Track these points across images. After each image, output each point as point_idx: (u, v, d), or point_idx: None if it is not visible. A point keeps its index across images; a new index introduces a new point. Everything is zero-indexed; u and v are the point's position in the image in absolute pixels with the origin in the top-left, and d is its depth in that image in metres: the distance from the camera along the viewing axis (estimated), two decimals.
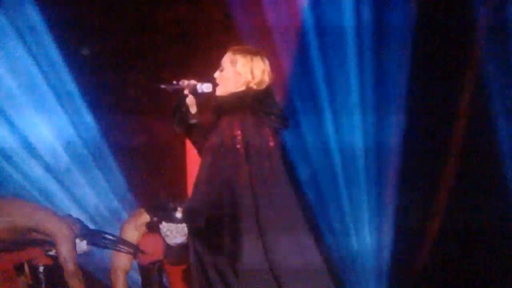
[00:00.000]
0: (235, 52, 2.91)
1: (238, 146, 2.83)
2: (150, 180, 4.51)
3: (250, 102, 2.85)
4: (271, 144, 2.87)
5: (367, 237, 4.64)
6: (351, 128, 4.61)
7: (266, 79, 2.89)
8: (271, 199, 2.86)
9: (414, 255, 4.58)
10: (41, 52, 4.66)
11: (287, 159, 3.93)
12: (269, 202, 2.85)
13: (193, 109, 2.95)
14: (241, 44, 3.08)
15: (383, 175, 4.60)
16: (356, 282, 4.62)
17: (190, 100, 2.93)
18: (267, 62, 2.91)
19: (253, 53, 2.91)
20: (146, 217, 3.73)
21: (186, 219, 3.41)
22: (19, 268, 3.89)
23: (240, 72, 2.87)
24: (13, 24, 4.59)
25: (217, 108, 2.92)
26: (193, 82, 2.91)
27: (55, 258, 3.76)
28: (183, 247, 3.58)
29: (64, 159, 4.69)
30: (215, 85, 2.90)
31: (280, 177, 2.89)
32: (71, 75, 4.65)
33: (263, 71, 2.88)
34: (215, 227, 2.88)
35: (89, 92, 4.63)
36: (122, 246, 3.69)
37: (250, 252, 2.83)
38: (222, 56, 2.89)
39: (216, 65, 2.88)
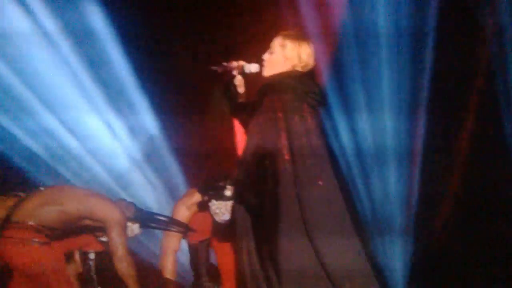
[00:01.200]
0: (285, 37, 3.08)
1: (279, 125, 2.98)
2: (202, 162, 4.67)
3: (293, 83, 3.02)
4: (310, 121, 3.02)
5: (395, 201, 4.91)
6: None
7: (311, 62, 3.09)
8: (312, 178, 2.97)
9: (435, 217, 4.87)
10: (104, 53, 4.81)
11: (326, 137, 4.11)
12: (310, 183, 2.96)
13: (241, 89, 3.14)
14: (291, 29, 3.20)
15: (409, 150, 4.86)
16: (384, 242, 4.89)
17: (239, 80, 3.12)
18: (312, 47, 3.10)
19: (302, 38, 3.09)
20: (197, 197, 3.89)
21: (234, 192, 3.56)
22: (69, 256, 3.96)
23: (288, 56, 3.05)
24: (80, 21, 4.69)
25: (263, 87, 3.08)
26: (241, 63, 3.09)
27: (106, 244, 3.84)
28: (230, 223, 3.76)
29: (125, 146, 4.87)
30: (262, 65, 3.07)
31: (319, 151, 3.02)
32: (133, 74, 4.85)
33: (309, 55, 3.07)
34: (259, 203, 3.04)
35: (149, 85, 4.80)
36: (173, 226, 3.84)
37: (290, 246, 2.95)
38: (270, 39, 3.06)
39: (264, 47, 3.03)
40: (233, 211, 3.32)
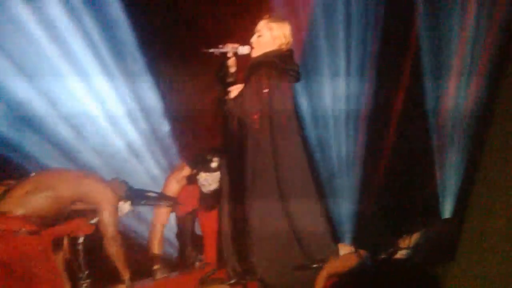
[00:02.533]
0: (270, 20, 3.53)
1: (264, 99, 3.43)
2: (191, 136, 4.85)
3: (277, 61, 3.47)
4: (289, 96, 3.52)
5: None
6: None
7: (291, 40, 3.55)
8: (288, 149, 3.49)
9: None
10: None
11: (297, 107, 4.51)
12: (286, 153, 3.48)
13: (233, 69, 3.50)
14: (270, 13, 3.65)
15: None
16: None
17: (232, 61, 3.48)
18: (290, 26, 3.56)
19: (283, 19, 3.56)
20: (187, 170, 4.14)
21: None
22: (57, 242, 3.76)
23: (276, 37, 3.50)
24: None
25: (252, 65, 3.49)
26: (235, 45, 3.47)
27: (96, 226, 3.79)
28: (216, 192, 4.05)
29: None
30: (251, 47, 3.48)
31: (294, 124, 3.56)
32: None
33: (290, 33, 3.54)
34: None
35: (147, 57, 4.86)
36: (163, 201, 4.02)
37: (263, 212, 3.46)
38: (252, 23, 3.48)
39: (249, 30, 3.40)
40: (220, 180, 3.69)
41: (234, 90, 3.48)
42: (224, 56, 3.45)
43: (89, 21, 4.80)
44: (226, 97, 3.49)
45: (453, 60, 5.18)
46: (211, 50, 3.44)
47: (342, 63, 5.26)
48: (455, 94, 5.21)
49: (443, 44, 5.21)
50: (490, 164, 2.72)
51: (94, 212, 3.82)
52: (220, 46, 3.46)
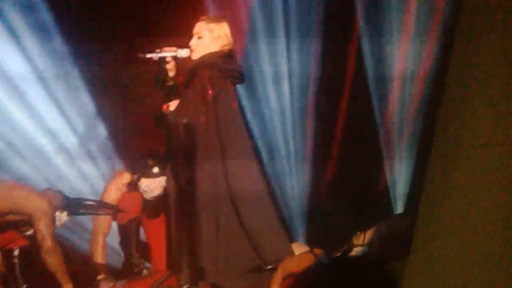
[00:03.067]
0: (209, 21, 3.39)
1: (209, 101, 3.32)
2: (131, 142, 4.62)
3: (220, 62, 3.34)
4: (233, 98, 3.44)
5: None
6: None
7: (232, 41, 3.43)
8: (236, 149, 3.41)
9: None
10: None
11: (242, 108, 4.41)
12: (234, 154, 3.41)
13: (172, 73, 3.34)
14: (207, 14, 3.51)
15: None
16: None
17: (171, 65, 3.32)
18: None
19: (222, 19, 3.43)
20: (127, 177, 3.94)
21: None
22: None
23: (217, 37, 3.36)
24: None
25: (194, 66, 3.35)
26: (173, 49, 3.31)
27: (31, 238, 3.68)
28: (159, 198, 3.88)
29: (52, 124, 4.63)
30: (191, 50, 3.35)
31: (240, 124, 3.52)
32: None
33: (230, 34, 3.41)
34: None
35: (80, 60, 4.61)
36: (103, 209, 3.82)
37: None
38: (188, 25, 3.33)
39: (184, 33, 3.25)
40: (165, 185, 3.55)
41: (173, 105, 3.34)
42: (162, 60, 3.29)
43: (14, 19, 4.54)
44: (166, 111, 3.34)
45: (397, 56, 5.19)
46: (149, 56, 3.28)
47: (284, 62, 5.16)
48: (401, 91, 5.23)
49: (386, 42, 5.21)
50: (440, 158, 2.65)
51: (29, 223, 3.67)
52: (158, 50, 3.30)
